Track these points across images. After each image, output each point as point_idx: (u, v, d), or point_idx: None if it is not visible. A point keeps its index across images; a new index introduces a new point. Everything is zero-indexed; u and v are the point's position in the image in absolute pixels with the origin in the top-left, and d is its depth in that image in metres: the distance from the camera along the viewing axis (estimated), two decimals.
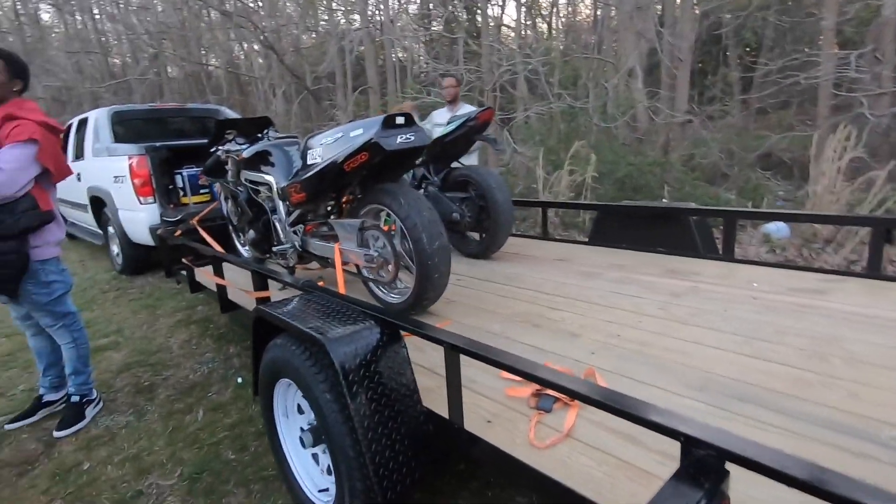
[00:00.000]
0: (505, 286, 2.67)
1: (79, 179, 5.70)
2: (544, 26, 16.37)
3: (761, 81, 10.21)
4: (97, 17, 19.66)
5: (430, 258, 2.08)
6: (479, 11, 11.05)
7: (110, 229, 5.36)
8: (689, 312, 2.11)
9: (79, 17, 20.33)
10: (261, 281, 2.21)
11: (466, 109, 4.17)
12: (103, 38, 19.47)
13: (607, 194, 5.83)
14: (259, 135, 3.23)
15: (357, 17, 12.45)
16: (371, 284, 2.45)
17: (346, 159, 2.10)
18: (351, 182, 2.45)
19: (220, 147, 3.18)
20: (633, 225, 3.25)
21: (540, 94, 8.31)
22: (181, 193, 4.93)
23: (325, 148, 2.27)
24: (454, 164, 3.51)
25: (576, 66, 8.38)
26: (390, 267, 2.24)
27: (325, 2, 15.22)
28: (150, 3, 16.42)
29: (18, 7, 19.19)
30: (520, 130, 7.82)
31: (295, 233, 2.76)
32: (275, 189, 2.75)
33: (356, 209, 2.40)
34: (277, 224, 2.86)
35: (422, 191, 3.44)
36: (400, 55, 13.45)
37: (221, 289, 2.72)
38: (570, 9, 18.32)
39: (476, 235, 3.41)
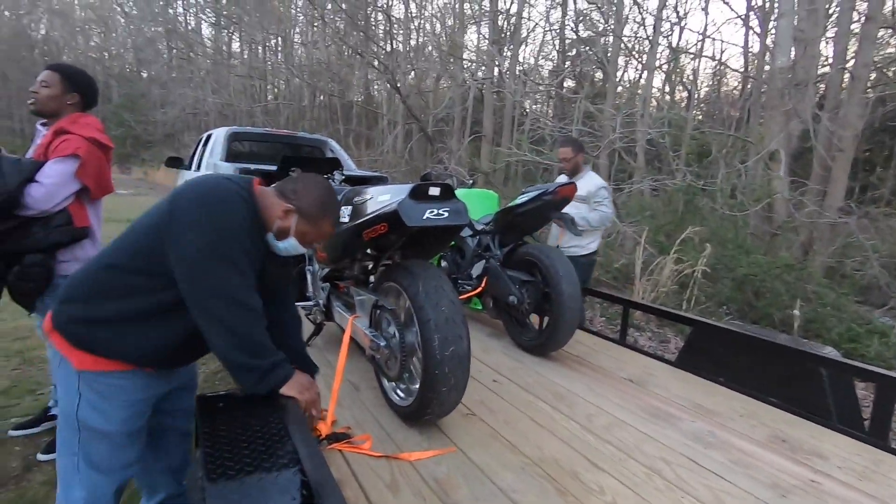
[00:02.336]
0: (546, 408, 2.11)
1: None
2: (684, 94, 15.42)
3: None
4: (267, 46, 22.73)
5: (438, 366, 1.64)
6: (605, 73, 10.63)
7: None
8: None
9: (256, 48, 23.69)
10: None
11: (592, 181, 3.46)
12: (269, 65, 22.38)
13: (720, 295, 4.91)
14: (325, 176, 3.08)
15: (485, 66, 12.71)
16: (379, 374, 2.05)
17: (364, 227, 1.78)
18: (381, 248, 2.12)
19: None
20: (738, 354, 2.50)
21: (658, 166, 7.55)
22: None
23: (354, 208, 1.97)
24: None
25: (706, 142, 7.50)
26: (397, 362, 1.84)
27: (459, 51, 15.86)
28: (307, 40, 18.50)
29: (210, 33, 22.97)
30: (627, 203, 7.10)
31: (323, 289, 2.49)
32: None
33: (379, 282, 2.06)
34: (309, 276, 2.62)
35: (482, 262, 3.02)
36: (526, 107, 13.44)
37: None
38: (715, 80, 17.15)
39: (536, 322, 2.88)
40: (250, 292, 1.27)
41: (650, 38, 8.53)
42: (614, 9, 9.88)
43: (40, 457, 2.27)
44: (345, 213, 2.06)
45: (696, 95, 13.66)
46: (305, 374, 1.43)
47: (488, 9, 13.40)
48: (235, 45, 27.05)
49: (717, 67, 15.17)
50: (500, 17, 13.82)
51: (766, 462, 1.78)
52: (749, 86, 13.12)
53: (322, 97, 19.44)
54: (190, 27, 28.63)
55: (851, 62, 7.47)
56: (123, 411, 1.32)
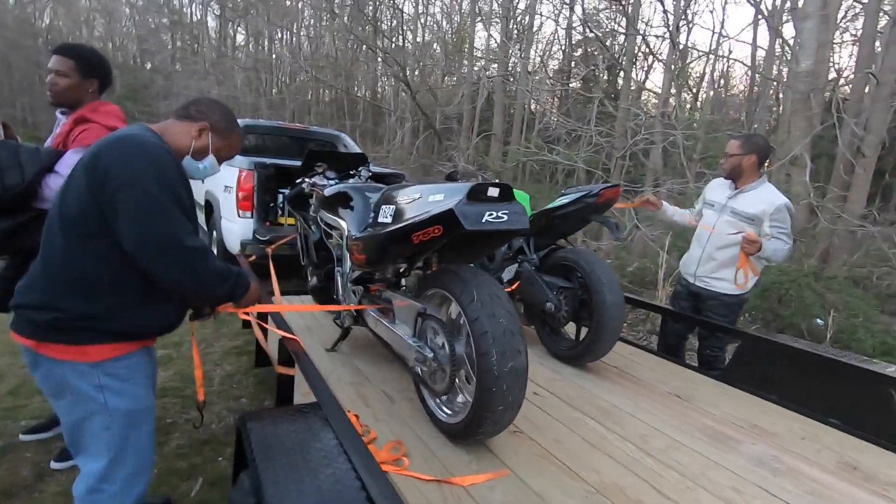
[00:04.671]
0: (596, 425, 1.98)
1: (202, 182, 6.06)
2: (688, 96, 15.28)
3: None
4: (273, 39, 22.54)
5: (495, 382, 1.50)
6: (621, 73, 10.47)
7: (214, 234, 5.52)
8: None
9: (262, 40, 23.50)
10: (286, 355, 1.79)
11: (768, 196, 2.68)
12: (275, 58, 22.20)
13: (748, 304, 4.76)
14: (351, 172, 2.94)
15: (496, 65, 12.55)
16: (421, 387, 1.91)
17: (415, 229, 1.64)
18: (424, 252, 1.98)
19: (306, 178, 2.93)
20: (791, 370, 2.37)
21: (674, 168, 7.41)
22: (279, 213, 4.90)
23: (398, 208, 1.83)
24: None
25: (725, 143, 7.37)
26: (445, 376, 1.70)
27: (467, 48, 15.71)
28: (318, 35, 18.32)
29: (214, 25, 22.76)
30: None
31: (354, 293, 2.34)
32: (345, 238, 2.38)
33: (422, 287, 1.92)
34: (339, 278, 2.48)
35: (515, 266, 2.89)
36: (533, 107, 13.25)
37: (259, 338, 2.38)
38: (721, 82, 16.99)
39: (573, 332, 2.74)
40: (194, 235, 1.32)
41: (665, 35, 8.38)
42: (630, 8, 9.74)
43: (54, 465, 2.14)
44: (386, 212, 1.92)
45: (703, 97, 13.52)
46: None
47: (500, 3, 13.24)
48: (241, 38, 26.84)
49: (726, 69, 15.03)
50: (510, 16, 13.64)
51: (842, 493, 1.64)
52: (756, 88, 13.02)
53: (329, 92, 19.25)
54: (196, 19, 28.37)
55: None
56: (144, 388, 1.39)
